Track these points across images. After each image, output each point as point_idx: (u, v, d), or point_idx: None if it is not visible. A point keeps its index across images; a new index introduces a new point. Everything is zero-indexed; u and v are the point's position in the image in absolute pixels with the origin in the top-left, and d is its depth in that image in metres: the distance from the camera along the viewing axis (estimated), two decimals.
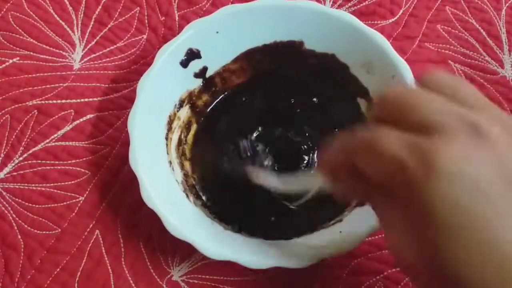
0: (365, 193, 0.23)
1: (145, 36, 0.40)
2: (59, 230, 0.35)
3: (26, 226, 0.35)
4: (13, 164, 0.36)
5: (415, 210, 0.19)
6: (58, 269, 0.34)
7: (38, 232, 0.34)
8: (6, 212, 0.35)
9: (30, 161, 0.36)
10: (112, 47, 0.40)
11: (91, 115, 0.38)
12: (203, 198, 0.34)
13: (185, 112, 0.35)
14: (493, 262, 0.18)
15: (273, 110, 0.37)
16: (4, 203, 0.35)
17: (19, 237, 0.34)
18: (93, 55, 0.40)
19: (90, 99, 0.38)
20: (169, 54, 0.33)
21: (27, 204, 0.35)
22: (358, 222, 0.30)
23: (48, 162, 0.36)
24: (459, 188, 0.18)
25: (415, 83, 0.21)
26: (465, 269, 0.19)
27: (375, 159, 0.20)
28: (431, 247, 0.19)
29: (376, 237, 0.33)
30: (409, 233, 0.20)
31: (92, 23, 0.41)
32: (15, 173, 0.36)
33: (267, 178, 0.31)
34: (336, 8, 0.40)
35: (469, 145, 0.19)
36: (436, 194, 0.18)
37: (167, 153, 0.34)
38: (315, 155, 0.35)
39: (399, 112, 0.20)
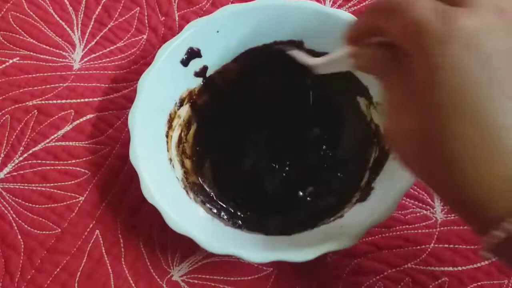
0: (382, 68, 0.23)
1: (145, 36, 0.40)
2: (59, 230, 0.35)
3: (26, 226, 0.35)
4: (13, 164, 0.36)
5: (422, 73, 0.20)
6: (58, 269, 0.34)
7: (38, 232, 0.34)
8: (6, 212, 0.35)
9: (30, 161, 0.36)
10: (112, 47, 0.40)
11: (91, 115, 0.38)
12: (203, 194, 0.34)
13: (185, 111, 0.36)
14: (487, 142, 0.18)
15: (273, 109, 0.37)
16: (4, 203, 0.35)
17: (19, 237, 0.34)
18: (93, 55, 0.40)
19: (90, 99, 0.38)
20: (170, 53, 0.33)
21: (27, 204, 0.35)
22: (359, 217, 0.30)
23: (48, 162, 0.36)
24: (471, 57, 0.19)
25: None
26: (458, 143, 0.19)
27: (401, 18, 0.20)
28: (431, 115, 0.19)
29: (376, 237, 0.33)
30: (412, 106, 0.20)
31: (92, 23, 0.41)
32: (15, 173, 0.36)
33: (303, 57, 0.32)
34: (336, 8, 0.40)
35: (494, 21, 0.19)
36: (448, 56, 0.19)
37: (168, 151, 0.34)
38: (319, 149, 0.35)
39: None
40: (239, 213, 0.34)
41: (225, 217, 0.33)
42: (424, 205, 0.34)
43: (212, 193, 0.34)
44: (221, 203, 0.34)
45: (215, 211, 0.33)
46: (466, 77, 0.19)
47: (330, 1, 0.41)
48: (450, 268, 0.33)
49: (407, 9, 0.20)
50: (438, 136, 0.19)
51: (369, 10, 0.23)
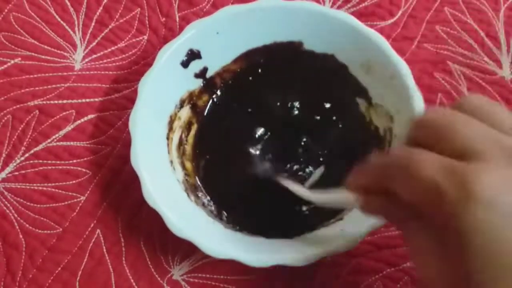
0: (396, 216, 0.23)
1: (145, 37, 0.40)
2: (61, 229, 0.35)
3: (27, 225, 0.35)
4: (14, 164, 0.36)
5: (450, 237, 0.19)
6: (60, 268, 0.34)
7: (40, 231, 0.35)
8: (8, 211, 0.35)
9: (31, 161, 0.36)
10: (113, 48, 0.40)
11: (92, 115, 0.38)
12: (204, 197, 0.34)
13: (185, 112, 0.36)
14: None
15: (272, 110, 0.37)
16: (6, 202, 0.35)
17: (21, 236, 0.35)
18: (94, 56, 0.40)
19: (91, 100, 0.38)
20: (170, 54, 0.34)
21: (28, 203, 0.35)
22: (359, 220, 0.30)
23: (49, 162, 0.36)
24: (497, 216, 0.18)
25: (451, 107, 0.21)
26: None
27: (412, 182, 0.20)
28: (465, 277, 0.19)
29: (376, 236, 0.34)
30: (441, 261, 0.20)
31: (93, 24, 0.41)
32: (16, 173, 0.36)
33: (298, 189, 0.31)
34: (336, 9, 0.40)
35: (508, 173, 0.18)
36: (473, 221, 0.18)
37: (168, 153, 0.34)
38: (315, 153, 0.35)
39: (437, 135, 0.20)
40: (239, 216, 0.34)
41: (226, 219, 0.33)
42: None
43: (212, 196, 0.35)
44: (222, 206, 0.34)
45: (215, 213, 0.33)
46: (494, 238, 0.18)
47: (329, 2, 0.41)
48: None
49: (417, 173, 0.19)
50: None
51: (373, 167, 0.22)
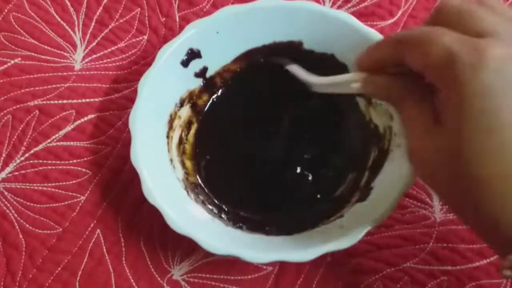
0: (397, 95, 0.24)
1: (145, 37, 0.40)
2: (61, 229, 0.35)
3: (27, 225, 0.35)
4: (14, 164, 0.37)
5: (451, 105, 0.20)
6: (60, 268, 0.34)
7: (40, 231, 0.35)
8: (8, 211, 0.35)
9: (31, 161, 0.37)
10: (113, 48, 0.40)
11: (92, 115, 0.38)
12: (204, 195, 0.34)
13: (185, 112, 0.36)
14: None
15: (272, 110, 0.37)
16: (6, 202, 0.35)
17: (21, 236, 0.35)
18: (94, 56, 0.40)
19: (91, 100, 0.38)
20: (170, 54, 0.34)
21: (28, 203, 0.35)
22: (359, 217, 0.30)
23: (49, 162, 0.37)
24: (502, 83, 0.19)
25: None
26: (487, 169, 0.20)
27: (427, 48, 0.21)
28: (458, 143, 0.20)
29: (376, 236, 0.34)
30: (435, 134, 0.21)
31: (93, 24, 0.41)
32: (16, 173, 0.36)
33: (304, 74, 0.33)
34: (336, 9, 0.40)
35: None
36: (479, 84, 0.20)
37: (168, 151, 0.34)
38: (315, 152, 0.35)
39: (456, 17, 0.22)
40: (239, 214, 0.34)
41: (226, 217, 0.33)
42: (423, 205, 0.34)
43: (212, 194, 0.35)
44: (222, 204, 0.34)
45: (215, 211, 0.33)
46: (501, 101, 0.20)
47: (329, 2, 0.41)
48: (449, 267, 0.33)
49: (436, 41, 0.21)
50: (471, 158, 0.20)
51: (391, 40, 0.24)
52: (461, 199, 0.22)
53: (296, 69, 0.34)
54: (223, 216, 0.33)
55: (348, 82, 0.28)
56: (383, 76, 0.25)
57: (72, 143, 0.37)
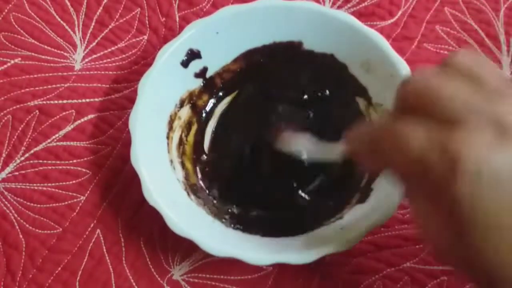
0: (394, 175, 0.23)
1: (145, 37, 0.40)
2: (61, 229, 0.35)
3: (27, 225, 0.35)
4: (14, 164, 0.37)
5: (443, 207, 0.19)
6: (60, 268, 0.34)
7: (40, 231, 0.35)
8: (8, 211, 0.35)
9: (31, 161, 0.36)
10: (113, 48, 0.40)
11: (92, 115, 0.38)
12: (204, 196, 0.34)
13: (185, 112, 0.36)
14: None
15: (273, 110, 0.37)
16: (6, 202, 0.35)
17: (21, 236, 0.35)
18: (94, 56, 0.40)
19: (91, 100, 0.38)
20: (170, 54, 0.34)
21: (28, 203, 0.35)
22: (359, 219, 0.30)
23: (49, 162, 0.37)
24: (481, 188, 0.18)
25: (438, 65, 0.21)
26: (499, 270, 0.19)
27: (399, 157, 0.20)
28: (462, 244, 0.19)
29: (376, 236, 0.34)
30: (440, 224, 0.20)
31: (93, 24, 0.41)
32: (16, 173, 0.36)
33: (298, 142, 0.31)
34: (336, 9, 0.40)
35: (493, 143, 0.18)
36: (461, 194, 0.18)
37: (168, 152, 0.34)
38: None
39: (422, 102, 0.20)
40: (239, 215, 0.34)
41: (226, 218, 0.33)
42: None
43: (212, 195, 0.35)
44: (222, 205, 0.34)
45: (216, 212, 0.33)
46: (481, 208, 0.18)
47: (329, 2, 0.41)
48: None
49: (402, 148, 0.20)
50: (476, 255, 0.19)
51: (360, 139, 0.23)
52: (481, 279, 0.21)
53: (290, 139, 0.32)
54: (223, 217, 0.33)
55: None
56: (376, 162, 0.23)
57: (72, 143, 0.37)
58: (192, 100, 0.36)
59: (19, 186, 0.36)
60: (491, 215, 0.18)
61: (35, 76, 0.39)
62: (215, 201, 0.34)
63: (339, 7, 0.41)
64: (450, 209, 0.19)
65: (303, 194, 0.34)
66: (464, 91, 0.19)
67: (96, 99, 0.38)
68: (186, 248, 0.34)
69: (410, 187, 0.22)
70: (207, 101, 0.37)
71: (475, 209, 0.18)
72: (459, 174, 0.18)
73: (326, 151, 0.29)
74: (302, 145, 0.31)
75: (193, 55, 0.35)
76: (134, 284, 0.33)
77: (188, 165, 0.35)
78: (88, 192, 0.36)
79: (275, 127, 0.34)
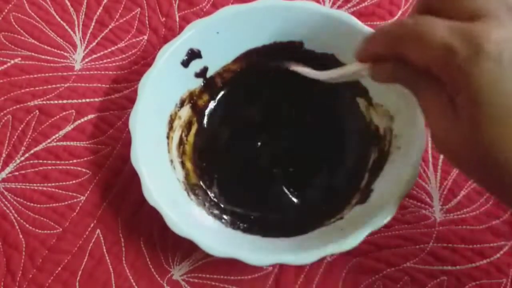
0: (408, 80, 0.24)
1: (145, 37, 0.40)
2: (61, 229, 0.35)
3: (27, 225, 0.35)
4: (14, 164, 0.36)
5: (459, 95, 0.20)
6: (60, 268, 0.34)
7: (40, 231, 0.35)
8: (8, 211, 0.35)
9: (31, 161, 0.36)
10: (113, 48, 0.40)
11: (92, 115, 0.38)
12: (205, 196, 0.34)
13: (186, 112, 0.36)
14: None
15: (273, 110, 0.37)
16: (6, 202, 0.35)
17: (21, 236, 0.35)
18: (94, 56, 0.40)
19: (91, 100, 0.38)
20: (170, 54, 0.34)
21: (28, 203, 0.35)
22: (359, 219, 0.30)
23: (49, 162, 0.36)
24: (503, 69, 0.19)
25: None
26: (508, 154, 0.20)
27: (425, 47, 0.21)
28: (476, 131, 0.20)
29: (376, 236, 0.34)
30: (453, 119, 0.21)
31: (93, 24, 0.41)
32: (16, 173, 0.36)
33: (309, 71, 0.32)
34: (336, 9, 0.40)
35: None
36: (483, 74, 0.19)
37: (168, 152, 0.34)
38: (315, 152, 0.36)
39: (443, 1, 0.21)
40: (240, 215, 0.34)
41: (226, 219, 0.33)
42: (423, 205, 0.34)
43: (212, 195, 0.35)
44: (222, 205, 0.34)
45: (216, 212, 0.33)
46: (500, 90, 0.19)
47: (329, 2, 0.41)
48: (449, 267, 0.33)
49: (428, 38, 0.20)
50: (489, 146, 0.20)
51: (384, 38, 0.23)
52: (486, 177, 0.22)
53: (301, 69, 0.34)
54: (223, 217, 0.33)
55: (355, 73, 0.27)
56: (388, 66, 0.24)
57: (72, 143, 0.37)
58: (193, 100, 0.36)
59: (19, 186, 0.36)
60: (507, 97, 0.19)
61: (35, 76, 0.39)
62: (215, 201, 0.34)
63: (339, 7, 0.41)
64: (467, 97, 0.20)
65: (301, 195, 0.34)
66: None
67: (96, 99, 0.38)
68: (186, 248, 0.34)
69: (423, 85, 0.23)
70: (208, 101, 0.37)
71: (496, 92, 0.19)
72: (482, 56, 0.19)
73: (340, 73, 0.29)
74: (314, 75, 0.32)
75: (194, 55, 0.35)
76: (134, 284, 0.33)
77: (188, 165, 0.35)
78: (88, 192, 0.36)
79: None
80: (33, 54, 0.40)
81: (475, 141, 0.20)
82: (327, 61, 0.35)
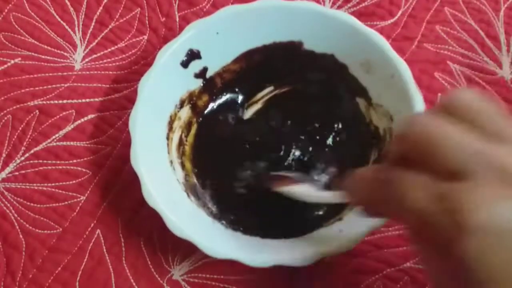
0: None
1: (145, 37, 0.40)
2: (61, 229, 0.35)
3: (27, 225, 0.35)
4: (14, 164, 0.37)
5: (449, 260, 0.18)
6: (60, 268, 0.34)
7: (40, 231, 0.35)
8: (8, 211, 0.35)
9: (31, 161, 0.36)
10: (113, 48, 0.40)
11: (92, 115, 0.38)
12: (204, 197, 0.34)
13: (185, 112, 0.36)
14: None
15: (273, 110, 0.37)
16: (6, 202, 0.35)
17: (21, 236, 0.35)
18: (94, 56, 0.40)
19: (91, 99, 0.38)
20: (170, 54, 0.34)
21: (28, 203, 0.35)
22: (358, 220, 0.30)
23: (49, 162, 0.36)
24: (489, 242, 0.17)
25: (436, 105, 0.21)
26: None
27: (402, 212, 0.19)
28: None
29: (376, 236, 0.34)
30: (446, 276, 0.19)
31: (93, 23, 0.41)
32: (16, 173, 0.36)
33: (294, 189, 0.31)
34: (336, 9, 0.40)
35: (500, 194, 0.17)
36: (466, 249, 0.17)
37: (168, 153, 0.34)
38: (313, 152, 0.35)
39: (420, 153, 0.19)
40: (239, 217, 0.34)
41: (225, 220, 0.33)
42: None
43: (212, 196, 0.35)
44: (221, 206, 0.34)
45: (215, 214, 0.33)
46: (490, 263, 0.17)
47: (329, 2, 0.41)
48: None
49: (403, 202, 0.19)
50: None
51: (359, 192, 0.22)
52: None
53: (286, 188, 0.32)
54: (222, 218, 0.33)
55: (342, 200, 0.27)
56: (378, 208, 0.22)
57: (72, 143, 0.37)
58: (192, 100, 0.36)
59: (19, 186, 0.36)
60: (499, 271, 0.17)
61: (35, 76, 0.39)
62: (215, 202, 0.34)
63: (339, 7, 0.41)
64: (456, 264, 0.18)
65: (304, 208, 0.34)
66: (463, 140, 0.19)
67: (96, 99, 0.38)
68: (186, 248, 0.34)
69: (415, 238, 0.21)
70: (207, 102, 0.37)
71: (483, 265, 0.17)
72: (464, 231, 0.17)
73: (325, 198, 0.29)
74: (300, 195, 0.31)
75: (193, 55, 0.35)
76: (134, 284, 0.33)
77: (188, 166, 0.35)
78: (88, 192, 0.36)
79: (271, 178, 0.33)
80: (33, 54, 0.40)
81: None
82: (326, 61, 0.35)
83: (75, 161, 0.37)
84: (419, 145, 0.19)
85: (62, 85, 0.39)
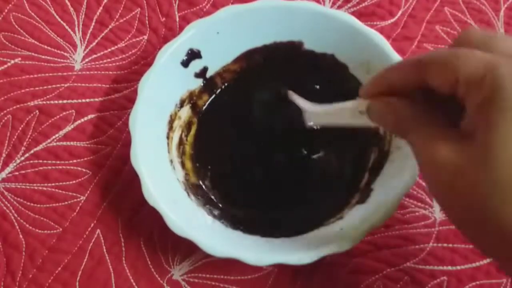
0: (409, 121, 0.23)
1: (145, 37, 0.40)
2: (61, 229, 0.35)
3: (27, 225, 0.35)
4: (14, 164, 0.37)
5: (479, 124, 0.19)
6: (60, 268, 0.34)
7: (40, 231, 0.35)
8: (8, 211, 0.35)
9: (31, 161, 0.36)
10: (113, 48, 0.40)
11: (92, 115, 0.38)
12: (204, 197, 0.34)
13: (185, 112, 0.36)
14: None
15: (272, 110, 0.37)
16: (6, 202, 0.35)
17: (21, 236, 0.35)
18: (94, 56, 0.40)
19: (91, 99, 0.38)
20: (170, 54, 0.34)
21: (28, 203, 0.35)
22: (359, 219, 0.30)
23: (49, 162, 0.36)
24: None
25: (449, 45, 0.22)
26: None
27: (459, 64, 0.20)
28: (485, 157, 0.19)
29: (376, 236, 0.34)
30: (463, 158, 0.20)
31: (93, 24, 0.41)
32: (16, 173, 0.36)
33: (305, 103, 0.32)
34: (336, 9, 0.40)
35: None
36: (504, 118, 0.18)
37: (168, 152, 0.34)
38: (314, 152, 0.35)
39: (483, 41, 0.21)
40: (239, 215, 0.34)
41: (226, 219, 0.33)
42: (423, 205, 0.35)
43: (212, 195, 0.35)
44: (222, 205, 0.34)
45: (215, 213, 0.33)
46: None
47: (329, 2, 0.41)
48: (449, 267, 0.33)
49: (468, 55, 0.20)
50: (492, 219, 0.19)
51: (412, 61, 0.23)
52: (494, 233, 0.19)
53: (296, 98, 0.33)
54: (223, 217, 0.33)
55: (351, 110, 0.27)
56: (394, 98, 0.23)
57: (72, 143, 0.37)
58: (192, 100, 0.36)
59: (19, 186, 0.36)
60: None
61: (35, 76, 0.39)
62: (215, 202, 0.34)
63: (339, 7, 0.41)
64: (490, 122, 0.19)
65: (301, 195, 0.34)
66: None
67: (96, 99, 0.38)
68: (186, 248, 0.34)
69: (422, 130, 0.22)
70: (207, 101, 0.37)
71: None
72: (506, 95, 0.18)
73: (338, 107, 0.29)
74: (307, 107, 0.31)
75: (193, 55, 0.35)
76: (134, 284, 0.33)
77: (188, 165, 0.35)
78: (88, 192, 0.36)
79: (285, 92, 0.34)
80: (33, 54, 0.40)
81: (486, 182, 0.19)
82: (327, 61, 0.35)
83: (75, 161, 0.37)
84: (480, 36, 0.21)
85: (62, 85, 0.39)
